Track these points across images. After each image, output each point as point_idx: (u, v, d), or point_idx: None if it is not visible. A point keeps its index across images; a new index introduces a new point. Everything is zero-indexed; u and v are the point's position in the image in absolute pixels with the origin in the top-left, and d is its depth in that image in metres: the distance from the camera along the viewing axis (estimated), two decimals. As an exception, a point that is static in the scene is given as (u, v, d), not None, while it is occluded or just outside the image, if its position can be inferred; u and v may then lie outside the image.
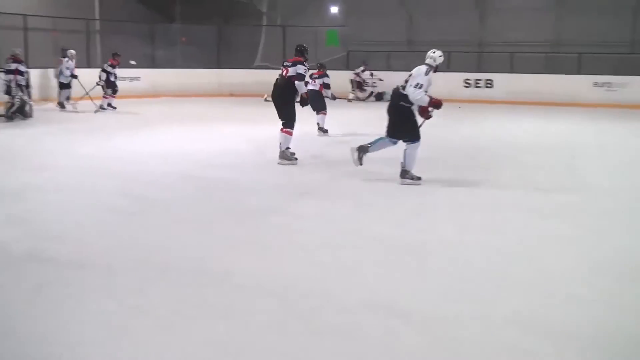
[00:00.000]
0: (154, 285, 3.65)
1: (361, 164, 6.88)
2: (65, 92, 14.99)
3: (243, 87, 20.13)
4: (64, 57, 14.95)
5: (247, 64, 22.12)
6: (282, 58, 22.14)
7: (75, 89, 14.94)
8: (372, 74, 19.56)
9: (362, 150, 6.89)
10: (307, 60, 8.12)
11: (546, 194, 6.50)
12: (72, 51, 15.19)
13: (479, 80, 19.63)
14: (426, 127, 6.83)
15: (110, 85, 14.76)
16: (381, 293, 3.60)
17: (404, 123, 6.70)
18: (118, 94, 15.03)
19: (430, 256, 4.35)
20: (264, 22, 24.70)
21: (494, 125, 13.37)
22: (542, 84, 18.69)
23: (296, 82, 7.82)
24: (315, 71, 11.87)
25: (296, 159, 8.02)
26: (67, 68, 14.88)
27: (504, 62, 19.84)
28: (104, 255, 4.20)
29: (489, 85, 19.68)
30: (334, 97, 11.86)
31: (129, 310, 3.29)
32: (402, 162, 6.78)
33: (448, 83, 19.44)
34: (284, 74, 7.96)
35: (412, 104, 6.60)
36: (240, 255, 4.28)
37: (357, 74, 19.44)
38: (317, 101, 10.83)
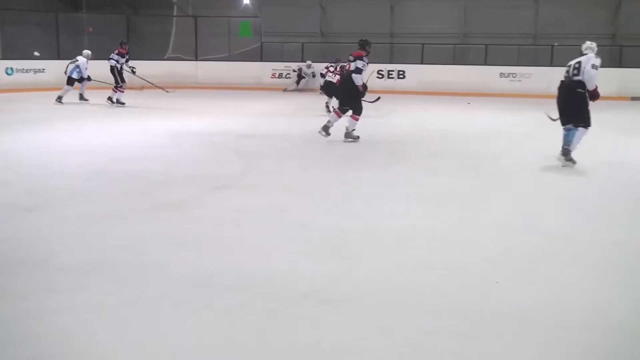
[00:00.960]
0: (69, 280, 3.50)
1: (574, 163, 7.28)
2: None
3: (155, 79, 19.63)
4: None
5: (158, 55, 21.61)
6: (195, 49, 21.97)
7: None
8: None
9: (566, 153, 7.32)
10: (368, 53, 8.71)
11: (454, 177, 6.69)
12: (89, 52, 15.19)
13: (392, 71, 19.99)
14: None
15: (121, 79, 14.51)
16: (313, 282, 3.58)
17: (582, 110, 7.26)
18: (25, 86, 14.31)
19: (356, 244, 4.36)
20: (175, 12, 24.18)
21: (414, 115, 13.62)
22: (452, 75, 19.25)
23: (353, 75, 8.58)
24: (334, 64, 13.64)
25: (358, 137, 8.91)
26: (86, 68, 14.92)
27: (415, 53, 20.28)
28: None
29: (401, 77, 20.08)
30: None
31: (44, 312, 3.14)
32: (567, 144, 7.33)
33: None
34: (347, 67, 8.79)
35: (586, 90, 7.21)
36: (159, 248, 4.16)
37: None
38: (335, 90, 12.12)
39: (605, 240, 4.58)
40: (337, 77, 12.45)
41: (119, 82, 14.37)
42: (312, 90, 19.15)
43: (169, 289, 3.45)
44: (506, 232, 4.72)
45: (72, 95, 14.69)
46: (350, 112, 9.01)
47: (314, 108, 13.96)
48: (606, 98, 14.61)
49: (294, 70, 20.42)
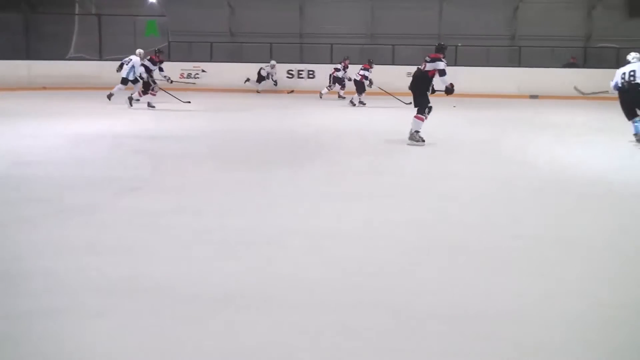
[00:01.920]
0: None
1: None
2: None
3: (57, 80, 18.91)
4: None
5: (60, 55, 20.78)
6: (99, 48, 21.27)
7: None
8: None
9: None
10: (445, 56, 9.05)
11: (370, 175, 6.80)
12: (141, 50, 14.89)
13: (302, 71, 20.08)
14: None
15: (144, 83, 14.16)
16: (229, 283, 3.54)
17: None
18: None
19: (271, 245, 4.34)
20: (77, 10, 23.33)
21: (324, 114, 13.72)
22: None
23: (440, 77, 8.85)
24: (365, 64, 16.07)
25: (424, 141, 8.90)
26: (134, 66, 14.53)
27: (325, 53, 20.47)
28: None
29: (311, 76, 20.21)
30: (371, 84, 15.91)
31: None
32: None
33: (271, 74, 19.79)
34: (422, 67, 9.00)
35: None
36: (70, 254, 4.00)
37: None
38: (360, 87, 15.59)
39: (522, 233, 4.71)
40: (360, 75, 15.33)
41: (150, 85, 14.12)
42: (279, 92, 19.10)
43: (82, 297, 3.31)
44: (424, 228, 4.82)
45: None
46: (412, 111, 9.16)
47: (228, 109, 13.86)
48: (507, 96, 15.38)
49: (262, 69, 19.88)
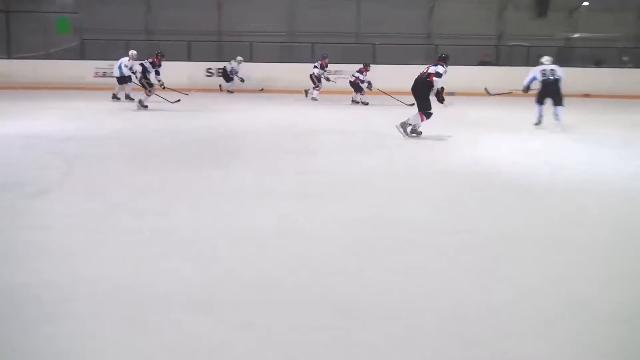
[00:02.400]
0: None
1: None
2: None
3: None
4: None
5: (-36, 53, 19.79)
6: (7, 46, 20.34)
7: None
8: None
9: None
10: (447, 66, 9.64)
11: (302, 174, 6.81)
12: (134, 52, 15.03)
13: (221, 69, 19.84)
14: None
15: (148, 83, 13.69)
16: (170, 284, 3.48)
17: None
18: None
19: (210, 244, 4.29)
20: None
21: (249, 113, 13.59)
22: (280, 72, 19.50)
23: (434, 78, 9.39)
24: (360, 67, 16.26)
25: (418, 135, 9.70)
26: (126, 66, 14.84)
27: (244, 51, 20.30)
28: None
29: (231, 75, 19.98)
30: (370, 86, 16.04)
31: None
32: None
33: (190, 72, 19.47)
34: (424, 72, 9.60)
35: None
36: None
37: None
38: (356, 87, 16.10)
39: (463, 229, 4.82)
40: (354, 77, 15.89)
41: (146, 86, 13.58)
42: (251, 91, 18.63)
43: (17, 306, 3.19)
44: (359, 224, 4.85)
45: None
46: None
47: (151, 108, 13.54)
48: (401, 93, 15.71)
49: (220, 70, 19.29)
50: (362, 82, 16.07)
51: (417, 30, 22.56)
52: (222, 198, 5.67)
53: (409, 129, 9.67)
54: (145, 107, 13.56)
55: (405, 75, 15.54)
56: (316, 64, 17.26)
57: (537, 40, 21.30)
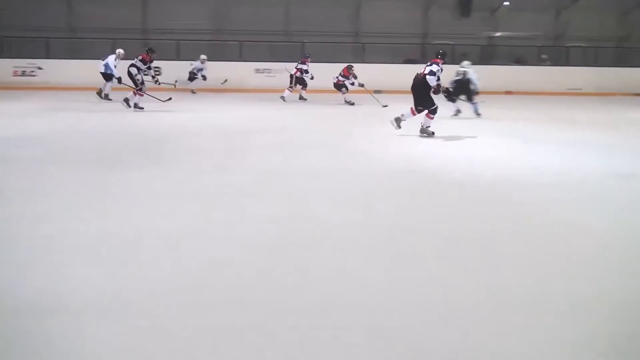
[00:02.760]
0: None
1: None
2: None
3: None
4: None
5: None
6: None
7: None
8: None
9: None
10: (444, 62, 9.83)
11: (225, 175, 6.76)
12: (121, 50, 15.28)
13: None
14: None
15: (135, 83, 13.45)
16: (81, 292, 3.38)
17: None
18: None
19: (124, 248, 4.17)
20: None
21: (173, 112, 13.36)
22: (208, 71, 19.25)
23: (427, 76, 9.56)
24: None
25: (433, 133, 9.86)
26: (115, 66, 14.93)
27: (171, 50, 19.99)
28: None
29: (157, 73, 19.59)
30: (361, 85, 15.63)
31: None
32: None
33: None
34: (421, 72, 9.73)
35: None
36: None
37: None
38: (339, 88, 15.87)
39: (377, 223, 4.90)
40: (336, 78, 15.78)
41: (137, 85, 13.14)
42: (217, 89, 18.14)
43: None
44: (282, 224, 4.85)
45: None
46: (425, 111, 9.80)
47: (70, 108, 13.17)
48: (352, 92, 15.86)
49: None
50: (343, 84, 15.80)
51: (345, 29, 22.79)
52: (136, 200, 5.57)
53: (428, 130, 9.87)
54: (141, 108, 13.28)
55: (333, 73, 15.81)
56: (303, 65, 16.50)
57: (460, 39, 21.87)
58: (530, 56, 22.40)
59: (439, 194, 6.12)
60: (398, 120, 9.93)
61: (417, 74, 9.93)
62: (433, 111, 9.80)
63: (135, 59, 13.64)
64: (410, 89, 9.99)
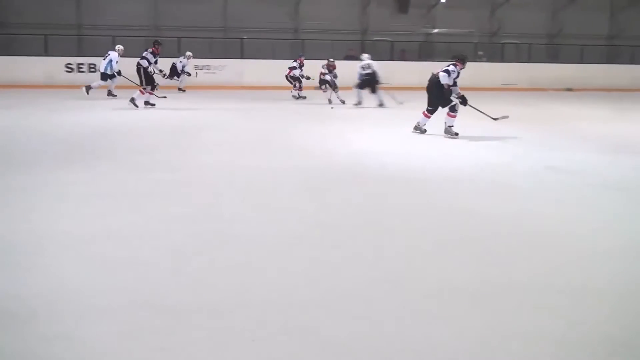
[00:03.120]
0: None
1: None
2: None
3: None
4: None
5: None
6: None
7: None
8: None
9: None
10: (463, 66, 9.62)
11: (152, 173, 6.65)
12: (121, 47, 15.32)
13: (82, 64, 18.97)
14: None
15: (150, 80, 13.10)
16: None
17: None
18: None
19: (30, 251, 4.08)
20: None
21: (106, 111, 13.07)
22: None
23: (440, 73, 9.49)
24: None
25: (457, 134, 9.61)
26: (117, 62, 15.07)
27: (107, 46, 19.48)
28: None
29: (92, 70, 19.14)
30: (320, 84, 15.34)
31: None
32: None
33: (48, 68, 18.46)
34: (436, 72, 9.62)
35: None
36: None
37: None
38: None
39: (277, 221, 4.93)
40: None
41: (143, 83, 12.71)
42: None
43: None
44: (194, 223, 4.80)
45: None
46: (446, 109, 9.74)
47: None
48: (292, 88, 15.87)
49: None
50: (326, 81, 15.32)
51: (284, 25, 22.75)
52: (47, 202, 5.41)
53: (451, 130, 9.63)
54: (153, 105, 13.18)
55: (273, 70, 15.74)
56: (294, 63, 16.28)
57: (399, 36, 22.14)
58: (467, 53, 22.82)
59: (365, 188, 6.20)
60: (418, 128, 9.94)
61: (433, 73, 9.76)
62: (452, 109, 9.62)
63: (146, 52, 13.34)
64: (426, 90, 9.91)
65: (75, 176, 6.46)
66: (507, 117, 10.32)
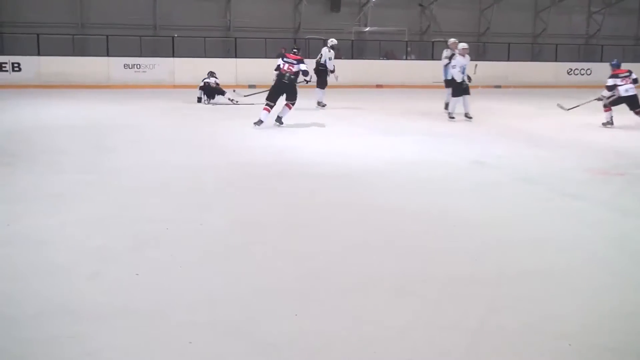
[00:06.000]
0: None
1: None
2: None
3: None
4: None
5: None
6: None
7: None
8: None
9: None
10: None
11: (67, 174, 6.47)
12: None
13: (5, 63, 18.25)
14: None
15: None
16: None
17: None
18: None
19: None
20: None
21: (36, 110, 12.64)
22: (74, 66, 18.36)
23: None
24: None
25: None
26: None
27: (31, 45, 18.85)
28: None
29: (16, 69, 18.46)
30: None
31: None
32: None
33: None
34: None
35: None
36: None
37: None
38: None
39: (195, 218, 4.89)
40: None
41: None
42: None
43: None
44: (114, 225, 4.70)
45: None
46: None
47: None
48: (225, 86, 15.72)
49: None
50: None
51: (216, 23, 22.52)
52: None
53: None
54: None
55: (204, 68, 15.52)
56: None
57: (331, 34, 22.18)
58: (398, 51, 23.14)
59: (289, 184, 6.22)
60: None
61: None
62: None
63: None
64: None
65: (7, 180, 6.22)
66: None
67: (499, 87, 20.90)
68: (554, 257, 4.09)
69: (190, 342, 2.82)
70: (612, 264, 4.01)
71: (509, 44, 22.74)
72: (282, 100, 10.25)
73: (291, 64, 10.30)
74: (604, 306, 3.33)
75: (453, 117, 11.48)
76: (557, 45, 23.41)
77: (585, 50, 25.79)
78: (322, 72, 14.10)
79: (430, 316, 3.16)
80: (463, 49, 11.56)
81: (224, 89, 14.36)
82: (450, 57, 12.10)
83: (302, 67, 10.32)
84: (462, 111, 11.47)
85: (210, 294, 3.40)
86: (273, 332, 2.95)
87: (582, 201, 5.68)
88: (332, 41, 14.52)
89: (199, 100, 14.28)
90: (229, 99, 14.07)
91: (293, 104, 10.35)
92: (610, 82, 10.87)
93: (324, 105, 13.74)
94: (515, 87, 20.67)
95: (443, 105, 12.33)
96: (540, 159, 7.87)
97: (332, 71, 13.94)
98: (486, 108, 14.44)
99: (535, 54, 24.76)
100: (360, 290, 3.47)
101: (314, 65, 13.84)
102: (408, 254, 4.11)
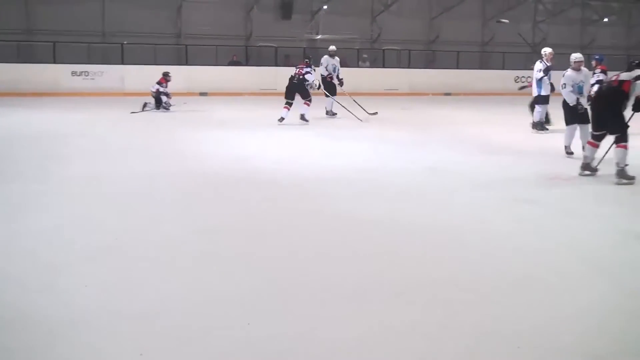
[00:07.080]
0: None
1: None
2: None
3: None
4: None
5: None
6: None
7: None
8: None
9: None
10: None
11: (17, 184, 6.34)
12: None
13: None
14: None
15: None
16: None
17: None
18: None
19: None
20: None
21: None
22: (20, 73, 17.87)
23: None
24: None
25: (633, 177, 6.75)
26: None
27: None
28: None
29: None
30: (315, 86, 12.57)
31: None
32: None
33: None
34: (613, 79, 7.05)
35: None
36: None
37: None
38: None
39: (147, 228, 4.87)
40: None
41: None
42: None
43: None
44: (59, 234, 4.64)
45: None
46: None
47: None
48: (177, 94, 15.56)
49: None
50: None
51: (166, 30, 22.28)
52: None
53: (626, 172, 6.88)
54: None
55: (155, 76, 15.32)
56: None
57: (283, 41, 22.26)
58: (350, 58, 23.30)
59: (247, 192, 6.23)
60: (623, 175, 6.74)
61: (601, 83, 8.67)
62: (626, 135, 6.87)
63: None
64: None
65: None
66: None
67: (449, 94, 21.24)
68: (509, 262, 4.18)
69: (142, 355, 2.80)
70: (564, 266, 4.13)
71: (458, 52, 23.14)
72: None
73: (301, 68, 12.02)
74: (562, 309, 3.43)
75: (571, 153, 8.48)
76: (504, 53, 23.92)
77: (534, 58, 26.35)
78: (325, 81, 13.81)
79: (384, 321, 3.21)
80: (577, 62, 8.41)
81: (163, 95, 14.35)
82: (546, 70, 10.77)
83: (306, 74, 11.83)
84: (562, 142, 8.67)
85: (163, 303, 3.38)
86: (225, 341, 2.95)
87: (535, 205, 5.83)
88: (331, 48, 14.40)
89: (144, 106, 14.09)
90: (164, 103, 14.25)
91: (309, 101, 12.01)
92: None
93: (334, 114, 13.63)
94: (464, 94, 21.02)
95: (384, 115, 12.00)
96: (486, 164, 8.01)
97: (317, 85, 12.75)
98: (439, 115, 14.70)
99: (483, 62, 25.24)
100: (318, 297, 3.48)
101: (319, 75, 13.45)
102: (364, 260, 4.15)
